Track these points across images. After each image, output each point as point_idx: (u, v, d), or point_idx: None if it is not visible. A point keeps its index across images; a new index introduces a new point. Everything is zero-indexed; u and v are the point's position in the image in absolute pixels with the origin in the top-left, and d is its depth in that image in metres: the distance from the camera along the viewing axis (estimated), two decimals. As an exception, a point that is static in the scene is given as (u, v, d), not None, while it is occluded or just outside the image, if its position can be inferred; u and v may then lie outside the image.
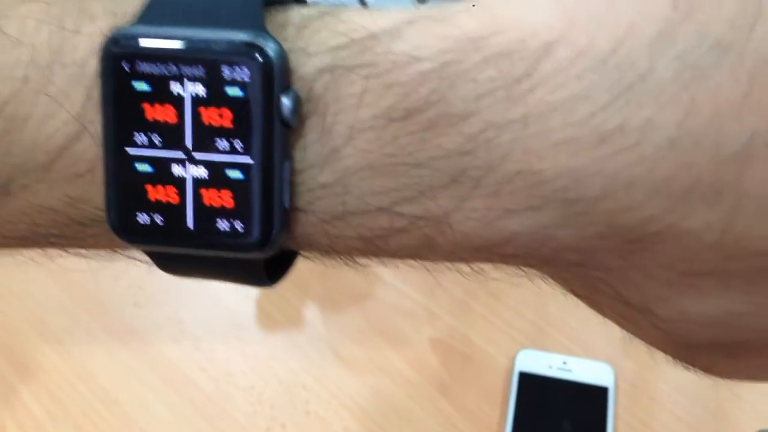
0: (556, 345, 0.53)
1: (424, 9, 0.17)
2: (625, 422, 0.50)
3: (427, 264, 0.19)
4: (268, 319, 0.57)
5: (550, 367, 0.52)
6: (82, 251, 0.20)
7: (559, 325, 0.55)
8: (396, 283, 0.58)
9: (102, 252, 0.20)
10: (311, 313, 0.57)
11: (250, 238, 0.17)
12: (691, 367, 0.19)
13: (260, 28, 0.17)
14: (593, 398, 0.51)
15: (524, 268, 0.19)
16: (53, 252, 0.20)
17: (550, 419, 0.50)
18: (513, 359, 0.52)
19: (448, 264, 0.19)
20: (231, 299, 0.58)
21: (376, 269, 0.19)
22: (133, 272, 0.57)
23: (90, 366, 0.53)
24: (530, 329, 0.55)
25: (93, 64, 0.17)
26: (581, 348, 0.52)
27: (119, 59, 0.17)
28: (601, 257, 0.17)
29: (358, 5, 0.16)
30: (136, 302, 0.57)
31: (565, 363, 0.52)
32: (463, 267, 0.19)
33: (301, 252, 0.20)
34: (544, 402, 0.51)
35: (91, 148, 0.18)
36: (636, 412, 0.51)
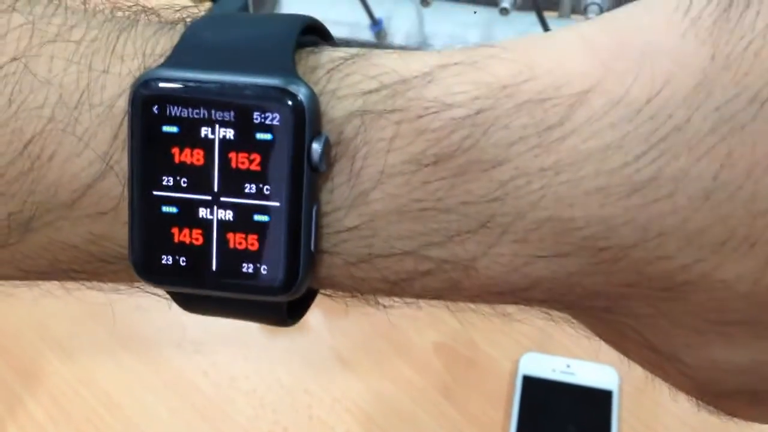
0: (560, 348, 0.53)
1: (456, 53, 0.17)
2: (630, 426, 0.50)
3: (450, 305, 0.19)
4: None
5: (554, 370, 0.52)
6: (102, 285, 0.20)
7: (564, 329, 0.54)
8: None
9: (121, 286, 0.20)
10: (314, 317, 0.57)
11: (274, 282, 0.17)
12: (721, 412, 0.19)
13: (291, 72, 0.17)
14: (597, 402, 0.51)
15: (549, 311, 0.19)
16: (71, 285, 0.20)
17: (554, 423, 0.50)
18: (517, 363, 0.52)
19: (471, 305, 0.19)
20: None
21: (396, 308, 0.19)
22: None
23: (93, 371, 0.53)
24: (534, 333, 0.55)
25: (121, 105, 0.17)
26: (585, 351, 0.52)
27: (149, 102, 0.17)
28: (629, 304, 0.17)
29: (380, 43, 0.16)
30: (138, 306, 0.57)
31: (568, 366, 0.52)
32: (486, 308, 0.19)
33: (324, 292, 0.20)
34: (547, 405, 0.51)
35: (115, 187, 0.17)
36: (640, 415, 0.51)
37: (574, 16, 0.56)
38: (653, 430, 0.50)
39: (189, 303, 0.19)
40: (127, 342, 0.55)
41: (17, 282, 0.20)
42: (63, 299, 0.59)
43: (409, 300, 0.19)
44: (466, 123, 0.16)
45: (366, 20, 0.58)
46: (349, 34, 0.59)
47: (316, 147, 0.16)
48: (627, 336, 0.18)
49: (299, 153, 0.16)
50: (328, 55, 0.18)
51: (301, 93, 0.16)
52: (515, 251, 0.17)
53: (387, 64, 0.17)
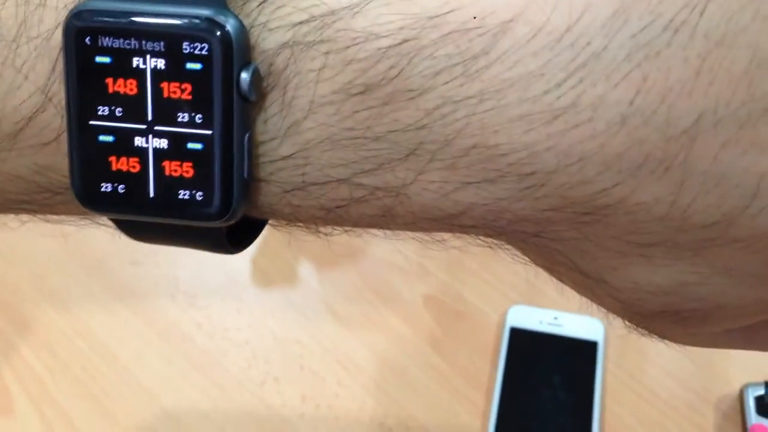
0: (548, 302, 0.54)
1: None
2: (615, 376, 0.51)
3: (388, 232, 0.20)
4: (263, 277, 0.57)
5: (541, 322, 0.52)
6: (52, 217, 0.21)
7: (552, 283, 0.55)
8: (390, 240, 0.58)
9: (70, 218, 0.21)
10: (306, 270, 0.58)
11: (210, 207, 0.18)
12: (645, 333, 0.19)
13: (221, 3, 0.17)
14: (583, 352, 0.51)
15: (483, 238, 0.19)
16: (25, 217, 0.21)
17: (540, 373, 0.50)
18: (505, 315, 0.53)
19: (408, 233, 0.19)
20: (227, 257, 0.58)
21: (336, 235, 0.19)
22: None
23: (89, 322, 0.54)
24: (523, 286, 0.55)
25: (58, 37, 0.17)
26: (573, 304, 0.53)
27: (82, 33, 0.17)
28: (555, 228, 0.17)
29: None
30: (133, 261, 0.58)
31: (555, 318, 0.52)
32: (423, 235, 0.20)
33: (268, 221, 0.20)
34: (534, 356, 0.51)
35: (55, 119, 0.18)
36: (625, 366, 0.51)
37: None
38: (637, 380, 0.51)
39: (133, 230, 0.20)
40: (121, 294, 0.56)
41: None
42: (59, 253, 0.60)
43: (347, 228, 0.19)
44: (391, 53, 0.16)
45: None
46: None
47: (245, 76, 0.17)
48: (557, 260, 0.18)
49: (228, 82, 0.17)
50: None
51: (229, 24, 0.17)
52: (444, 178, 0.17)
53: None
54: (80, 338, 0.54)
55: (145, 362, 0.52)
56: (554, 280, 0.20)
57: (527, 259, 0.20)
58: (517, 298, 0.55)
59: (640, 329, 0.20)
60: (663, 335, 0.19)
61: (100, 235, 0.58)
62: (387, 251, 0.58)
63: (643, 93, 0.15)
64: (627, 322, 0.20)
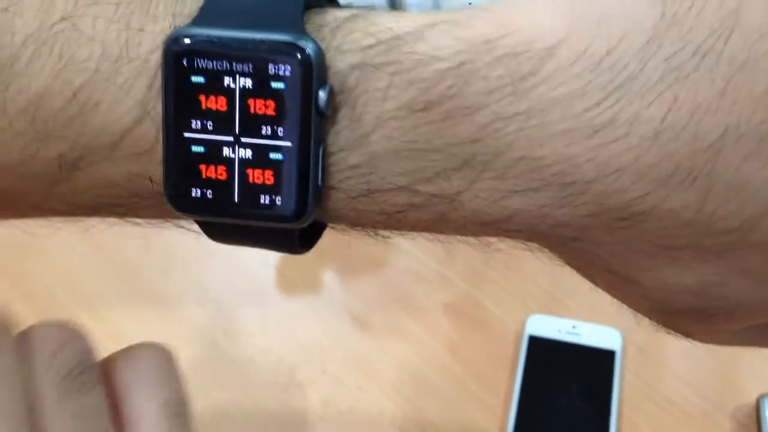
0: (566, 311, 0.55)
1: (443, 13, 0.19)
2: (632, 385, 0.52)
3: (441, 237, 0.21)
4: (287, 284, 0.59)
5: (560, 331, 0.53)
6: (138, 220, 0.23)
7: (571, 293, 0.56)
8: (411, 249, 0.60)
9: (155, 221, 0.23)
10: (329, 278, 0.59)
11: (287, 211, 0.20)
12: (672, 331, 0.21)
13: (300, 30, 0.19)
14: (601, 361, 0.52)
15: (527, 242, 0.21)
16: (111, 220, 0.23)
17: (558, 381, 0.51)
18: (524, 323, 0.54)
19: (459, 237, 0.21)
20: (252, 265, 0.60)
21: (393, 238, 0.21)
22: (161, 241, 0.59)
23: (120, 327, 0.56)
24: (542, 296, 0.56)
25: (155, 59, 0.19)
26: (591, 314, 0.54)
27: (179, 56, 0.19)
28: (593, 233, 0.19)
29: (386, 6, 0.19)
30: (163, 269, 0.60)
31: (574, 327, 0.53)
32: (472, 239, 0.21)
33: (330, 224, 0.22)
34: (552, 365, 0.52)
35: (151, 131, 0.20)
36: (643, 375, 0.52)
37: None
38: (655, 389, 0.52)
39: (215, 232, 0.22)
40: (152, 300, 0.58)
41: (64, 218, 0.23)
42: (92, 260, 0.62)
43: (404, 231, 0.21)
44: (450, 74, 0.18)
45: (381, -9, 0.59)
46: (364, 0, 0.60)
47: (322, 94, 0.19)
48: (593, 263, 0.20)
49: (307, 99, 0.19)
50: (333, 15, 0.20)
51: (309, 47, 0.19)
52: (494, 186, 0.19)
53: (383, 23, 0.19)
54: (112, 342, 0.55)
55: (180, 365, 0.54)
56: (573, 290, 0.22)
57: (562, 261, 0.21)
58: (537, 307, 0.56)
59: (666, 328, 0.21)
60: (688, 333, 0.21)
61: (132, 243, 0.60)
62: (409, 261, 0.59)
63: (674, 111, 0.17)
64: (654, 321, 0.21)
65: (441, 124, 0.19)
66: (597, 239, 0.19)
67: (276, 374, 0.53)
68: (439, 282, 0.58)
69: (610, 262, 0.20)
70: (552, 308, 0.55)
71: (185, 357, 0.54)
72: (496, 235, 0.21)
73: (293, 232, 0.21)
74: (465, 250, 0.60)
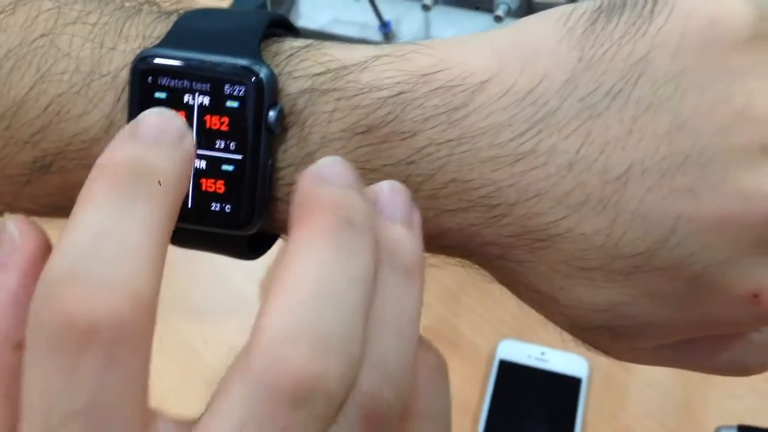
0: (537, 338, 0.57)
1: (389, 47, 0.22)
2: (596, 412, 0.53)
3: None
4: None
5: (529, 356, 0.55)
6: None
7: (541, 319, 0.58)
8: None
9: None
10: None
11: (236, 218, 0.21)
12: (591, 347, 0.23)
13: (256, 55, 0.21)
14: (566, 388, 0.54)
15: (460, 259, 0.23)
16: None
17: (525, 404, 0.53)
18: (495, 348, 0.56)
19: None
20: (237, 279, 0.62)
21: None
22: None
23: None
24: (514, 322, 0.58)
25: (123, 76, 0.22)
26: (561, 342, 0.56)
27: (145, 74, 0.21)
28: (515, 252, 0.21)
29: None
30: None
31: (543, 354, 0.55)
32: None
33: (281, 235, 0.24)
34: (520, 389, 0.54)
35: None
36: (607, 404, 0.54)
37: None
38: (617, 418, 0.53)
39: (173, 235, 0.23)
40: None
41: (39, 218, 0.24)
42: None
43: None
44: (389, 102, 0.20)
45: (376, 22, 0.62)
46: (359, 33, 0.63)
47: (272, 114, 0.21)
48: (517, 280, 0.22)
49: (259, 118, 0.21)
50: (289, 44, 0.22)
51: (263, 72, 0.21)
52: (427, 205, 0.21)
53: (333, 54, 0.22)
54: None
55: (158, 375, 0.55)
56: (542, 318, 0.24)
57: (493, 277, 0.23)
58: (508, 332, 0.58)
59: (585, 344, 0.23)
60: (604, 350, 0.23)
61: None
62: (388, 281, 0.61)
63: (587, 145, 0.19)
64: (574, 337, 0.23)
65: (380, 146, 0.20)
66: (519, 258, 0.21)
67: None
68: (416, 304, 0.60)
69: (531, 279, 0.21)
70: (523, 334, 0.57)
71: (170, 366, 0.55)
72: (430, 250, 0.22)
73: (243, 238, 0.23)
74: (441, 274, 0.62)
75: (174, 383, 0.55)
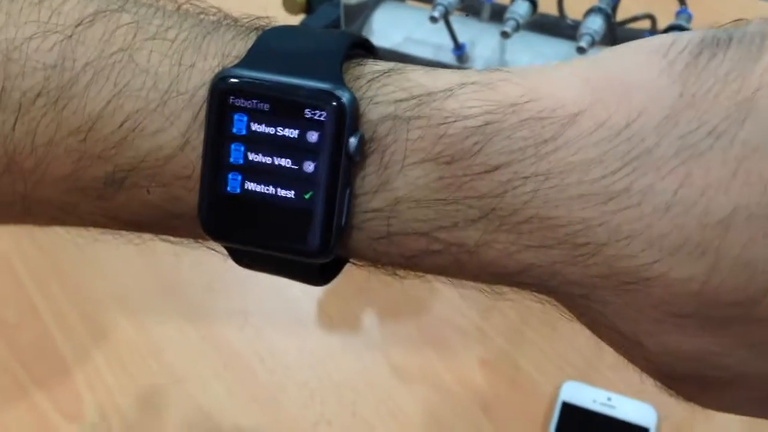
0: (603, 381, 0.54)
1: (476, 74, 0.20)
2: (664, 465, 0.50)
3: (453, 280, 0.22)
4: (328, 320, 0.60)
5: (594, 401, 0.52)
6: (171, 238, 0.24)
7: (609, 362, 0.55)
8: (453, 298, 0.60)
9: (186, 241, 0.24)
10: (369, 319, 0.60)
11: (311, 246, 0.21)
12: (676, 395, 0.21)
13: (338, 79, 0.20)
14: (633, 437, 0.51)
15: (536, 294, 0.21)
16: (147, 236, 0.24)
17: (588, 452, 0.50)
18: (558, 389, 0.53)
19: (472, 283, 0.22)
20: (295, 296, 0.61)
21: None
22: (212, 260, 0.61)
23: (160, 341, 0.58)
24: (580, 362, 0.56)
25: (201, 94, 0.21)
26: (628, 387, 0.53)
27: (224, 94, 0.20)
28: (601, 293, 0.20)
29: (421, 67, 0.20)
30: (209, 288, 0.61)
31: (609, 399, 0.52)
32: (485, 286, 0.22)
33: (351, 260, 0.23)
34: (583, 434, 0.51)
35: (191, 159, 0.21)
36: (676, 457, 0.51)
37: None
38: (687, 472, 0.50)
39: (240, 257, 0.23)
40: (193, 318, 0.59)
41: (104, 230, 0.24)
42: (145, 273, 0.64)
43: (420, 273, 0.22)
44: (476, 132, 0.19)
45: (450, 43, 0.61)
46: (432, 55, 0.62)
47: (353, 141, 0.20)
48: (599, 321, 0.20)
49: (338, 145, 0.20)
50: (371, 67, 0.21)
51: (344, 97, 0.20)
52: (509, 240, 0.20)
53: (417, 79, 0.21)
54: (151, 356, 0.57)
55: (209, 388, 0.55)
56: (611, 359, 0.22)
57: (572, 316, 0.22)
58: (573, 373, 0.55)
59: (668, 390, 0.21)
60: (689, 398, 0.21)
61: (182, 261, 0.62)
62: (450, 311, 0.60)
63: (686, 186, 0.18)
64: (656, 383, 0.21)
65: (463, 178, 0.19)
66: (604, 299, 0.20)
67: (306, 409, 0.54)
68: (476, 335, 0.58)
69: (616, 321, 0.20)
70: (589, 376, 0.55)
71: (221, 379, 0.55)
72: (508, 285, 0.21)
73: (315, 265, 0.22)
74: (505, 305, 0.60)
75: (227, 398, 0.54)
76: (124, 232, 0.24)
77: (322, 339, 0.58)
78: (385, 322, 0.60)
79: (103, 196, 0.22)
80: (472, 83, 0.20)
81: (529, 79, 0.20)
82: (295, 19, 0.60)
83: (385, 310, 0.60)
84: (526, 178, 0.19)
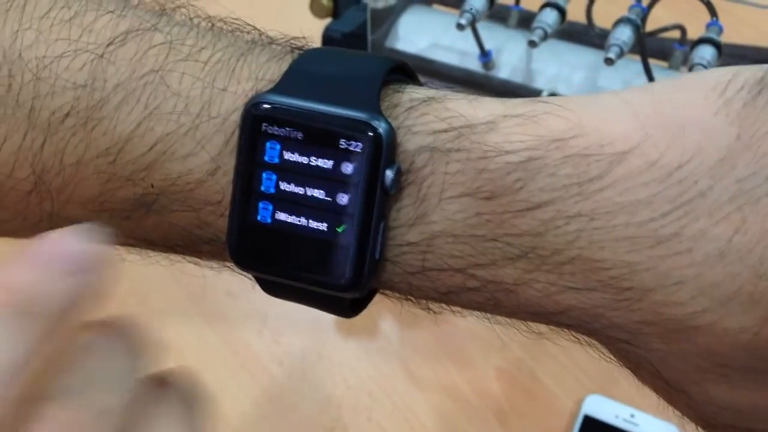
0: (623, 396, 0.53)
1: (519, 105, 0.20)
2: (683, 484, 0.50)
3: (488, 316, 0.21)
4: (346, 326, 0.60)
5: (617, 417, 0.52)
6: (199, 261, 0.24)
7: (631, 377, 0.55)
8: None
9: (214, 264, 0.24)
10: (387, 325, 0.60)
11: (342, 280, 0.20)
12: None
13: (375, 108, 0.20)
14: (654, 456, 0.50)
15: (575, 334, 0.21)
16: (174, 257, 0.24)
17: (607, 468, 0.50)
18: (580, 402, 0.53)
19: (508, 320, 0.21)
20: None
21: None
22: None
23: (181, 344, 0.58)
24: (600, 376, 0.55)
25: (233, 119, 0.20)
26: (649, 404, 0.52)
27: (257, 120, 0.20)
28: (645, 339, 0.19)
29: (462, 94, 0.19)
30: (229, 292, 0.61)
31: (632, 416, 0.52)
32: (521, 325, 0.22)
33: (382, 291, 0.23)
34: (603, 449, 0.51)
35: (221, 185, 0.21)
36: (695, 476, 0.50)
37: (683, 68, 0.56)
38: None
39: (270, 288, 0.22)
40: (213, 322, 0.59)
41: (131, 249, 0.24)
42: (166, 277, 0.64)
43: (456, 308, 0.22)
44: (518, 168, 0.19)
45: (476, 50, 0.60)
46: (458, 61, 0.61)
47: (389, 174, 0.19)
48: (642, 366, 0.20)
49: (374, 177, 0.19)
50: (409, 95, 0.21)
51: (381, 127, 0.19)
52: (549, 280, 0.19)
53: (457, 109, 0.20)
54: (171, 357, 0.57)
55: (226, 390, 0.55)
56: (631, 376, 0.22)
57: (614, 359, 0.21)
58: (592, 387, 0.54)
59: None
60: None
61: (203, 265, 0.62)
62: (468, 319, 0.59)
63: (741, 233, 0.17)
64: (700, 429, 0.21)
65: (503, 215, 0.19)
66: (648, 345, 0.19)
67: (323, 413, 0.54)
68: (495, 344, 0.58)
69: (660, 369, 0.19)
70: (609, 391, 0.54)
71: (239, 382, 0.55)
72: (546, 323, 0.21)
73: (346, 299, 0.21)
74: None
75: (244, 401, 0.54)
76: (151, 252, 0.24)
77: (340, 345, 0.58)
78: (403, 329, 0.59)
79: (132, 217, 0.22)
80: (516, 116, 0.19)
81: (575, 113, 0.19)
82: (322, 23, 0.60)
83: (404, 318, 0.60)
84: (570, 217, 0.18)
